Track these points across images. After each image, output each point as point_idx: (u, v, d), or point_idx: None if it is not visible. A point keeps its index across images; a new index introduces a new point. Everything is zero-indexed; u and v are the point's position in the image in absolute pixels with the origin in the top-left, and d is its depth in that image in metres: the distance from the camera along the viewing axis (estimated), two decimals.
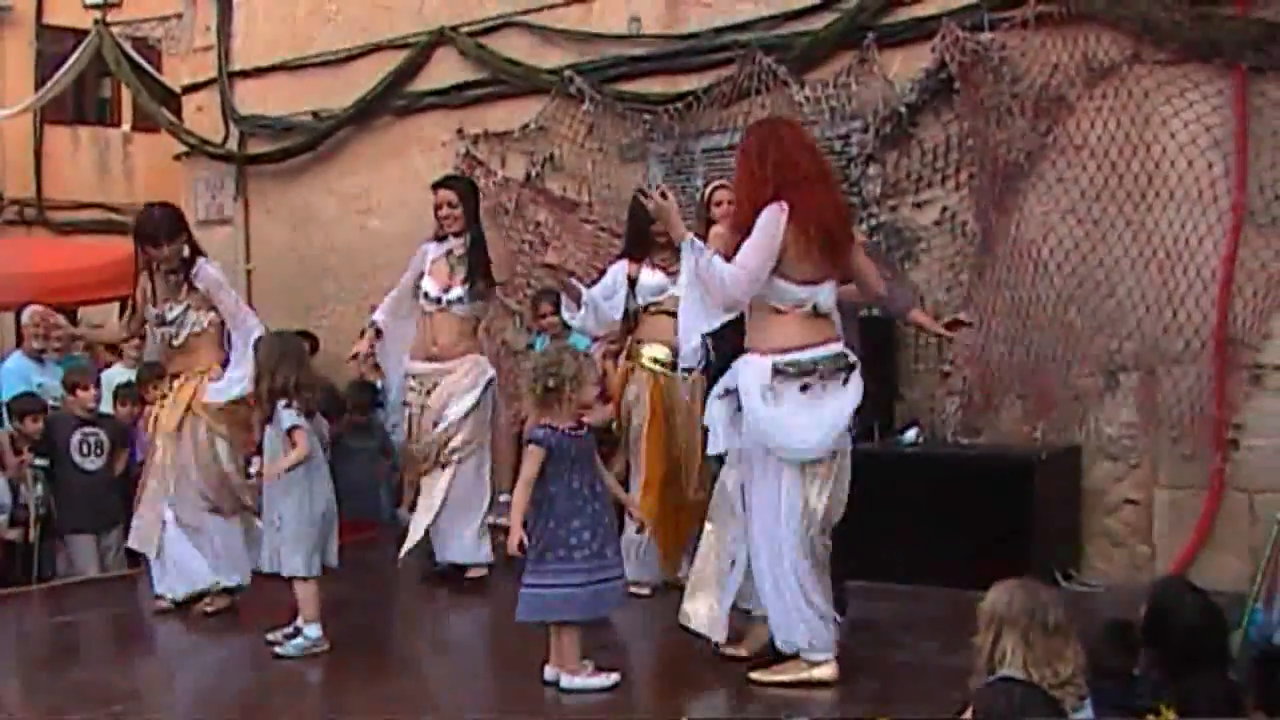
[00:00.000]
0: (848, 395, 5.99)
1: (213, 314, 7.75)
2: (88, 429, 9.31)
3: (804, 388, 5.89)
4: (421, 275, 8.44)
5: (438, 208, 8.44)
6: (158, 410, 7.84)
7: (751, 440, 5.99)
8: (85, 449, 9.24)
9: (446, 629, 7.91)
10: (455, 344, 8.38)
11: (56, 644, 7.64)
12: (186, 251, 7.72)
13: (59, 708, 5.99)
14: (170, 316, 7.71)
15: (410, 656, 7.29)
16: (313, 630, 6.80)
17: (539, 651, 6.18)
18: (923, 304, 8.51)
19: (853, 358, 6.09)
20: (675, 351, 7.66)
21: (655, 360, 7.97)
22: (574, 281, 8.10)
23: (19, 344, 12.08)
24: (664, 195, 6.28)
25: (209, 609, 7.64)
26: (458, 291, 8.33)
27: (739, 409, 6.01)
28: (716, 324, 6.10)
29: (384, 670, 6.75)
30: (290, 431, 6.77)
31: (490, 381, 8.48)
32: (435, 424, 8.28)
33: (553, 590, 5.96)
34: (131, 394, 9.78)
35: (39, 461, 9.15)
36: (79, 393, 9.49)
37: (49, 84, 18.06)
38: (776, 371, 5.88)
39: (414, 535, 8.36)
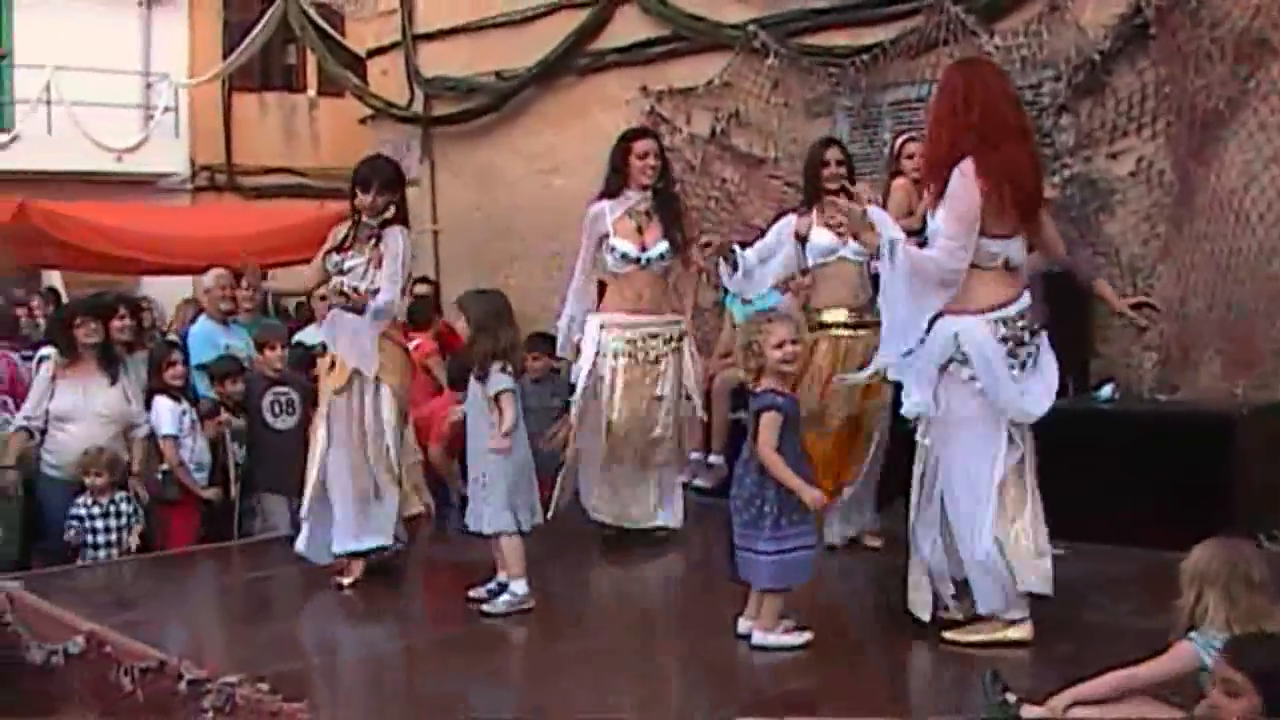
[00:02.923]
0: (1050, 351, 6.01)
1: None
2: (278, 389, 9.46)
3: (1019, 345, 5.88)
4: (605, 236, 8.33)
5: (642, 156, 8.31)
6: (325, 367, 7.89)
7: (977, 403, 5.94)
8: (276, 409, 9.43)
9: (635, 584, 7.97)
10: (660, 301, 8.32)
11: (253, 598, 7.86)
12: (391, 212, 7.69)
13: (257, 660, 6.10)
14: (347, 266, 7.65)
15: (602, 612, 7.41)
16: (519, 587, 6.85)
17: (730, 606, 6.24)
18: (1117, 258, 8.41)
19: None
20: (851, 310, 7.78)
21: (839, 324, 7.91)
22: (734, 247, 8.04)
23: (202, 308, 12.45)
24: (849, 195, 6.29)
25: (344, 580, 7.63)
26: (661, 248, 8.25)
27: (942, 371, 5.97)
28: (937, 306, 5.95)
29: (580, 625, 6.90)
30: (499, 396, 6.82)
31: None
32: (647, 402, 8.28)
33: (794, 554, 6.01)
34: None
35: (236, 422, 9.46)
36: (268, 352, 9.72)
37: (237, 52, 18.57)
38: (993, 329, 5.88)
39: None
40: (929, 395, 6.00)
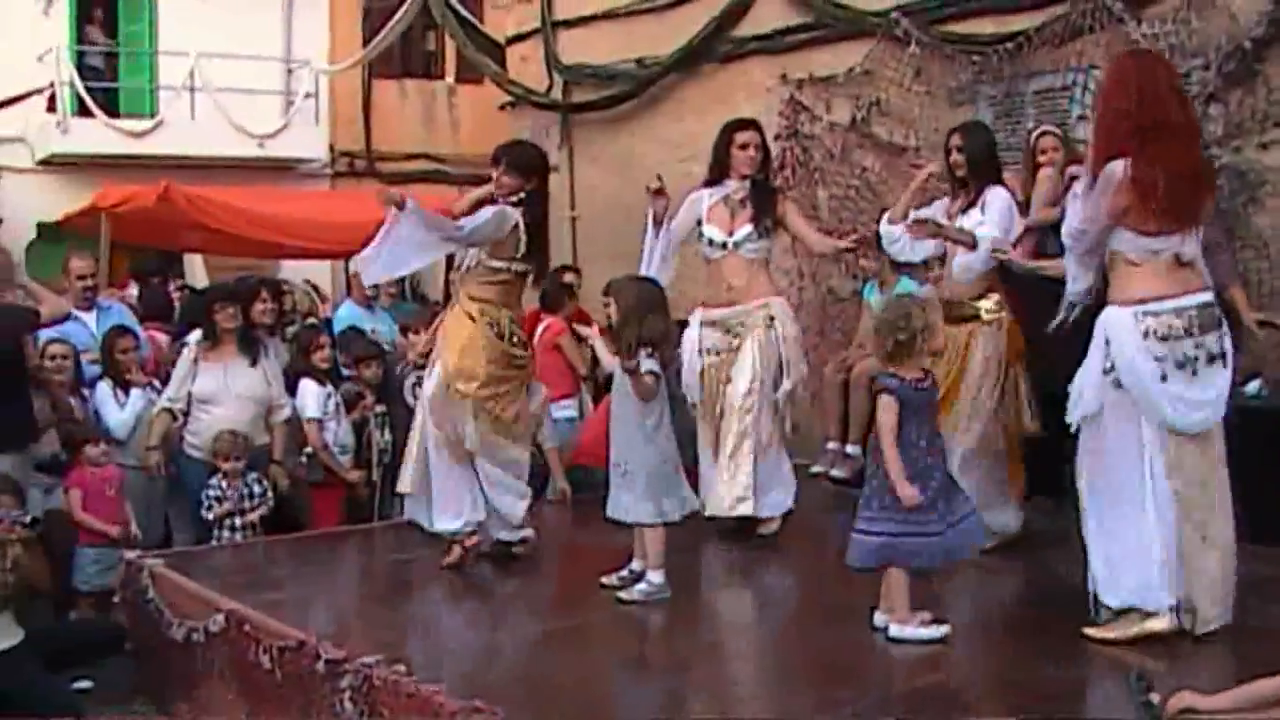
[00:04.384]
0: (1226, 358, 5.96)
1: (496, 260, 7.62)
2: (420, 372, 9.55)
3: (1172, 341, 5.82)
4: (699, 223, 8.38)
5: (743, 146, 8.35)
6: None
7: (1116, 397, 5.91)
8: (418, 393, 9.55)
9: (769, 575, 7.95)
10: (749, 285, 8.28)
11: (394, 580, 7.97)
12: (521, 195, 7.68)
13: (395, 642, 6.23)
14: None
15: (735, 602, 7.45)
16: (657, 577, 6.85)
17: (868, 598, 6.23)
18: (1266, 251, 8.25)
19: (1218, 311, 6.02)
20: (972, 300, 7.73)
21: (991, 310, 7.84)
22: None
23: (348, 293, 12.63)
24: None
25: (445, 560, 7.68)
26: (745, 230, 8.24)
27: (1108, 369, 5.94)
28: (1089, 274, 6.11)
29: (714, 616, 6.95)
30: (646, 375, 6.82)
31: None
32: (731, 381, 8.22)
33: (875, 538, 6.01)
34: None
35: (380, 408, 9.60)
36: (411, 336, 9.85)
37: (377, 38, 18.73)
38: (1136, 321, 5.83)
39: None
40: (1091, 393, 6.01)
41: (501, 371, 7.63)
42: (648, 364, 6.82)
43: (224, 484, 8.83)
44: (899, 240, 7.94)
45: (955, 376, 7.60)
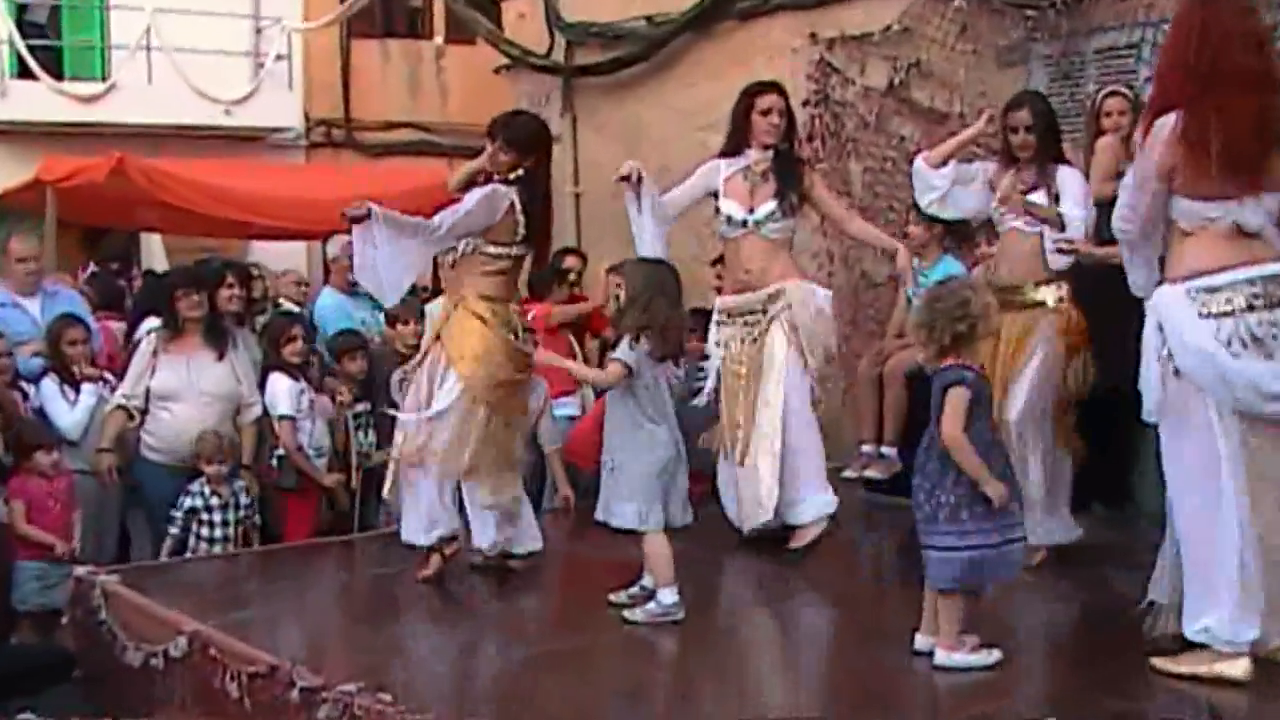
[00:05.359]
0: None
1: (495, 247, 7.65)
2: (409, 367, 9.56)
3: (1234, 316, 5.72)
4: (715, 195, 8.41)
5: (765, 112, 8.33)
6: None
7: (1177, 385, 5.82)
8: (405, 388, 9.55)
9: (796, 591, 7.90)
10: (768, 268, 8.29)
11: (376, 597, 7.95)
12: (518, 173, 7.69)
13: (378, 667, 6.19)
14: None
15: (757, 621, 7.45)
16: (668, 595, 6.81)
17: (904, 617, 6.23)
18: None
19: None
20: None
21: (1058, 299, 7.83)
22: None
23: (326, 278, 12.61)
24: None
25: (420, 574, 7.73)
26: (768, 208, 8.24)
27: (1165, 355, 5.84)
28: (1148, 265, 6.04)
29: (733, 637, 6.92)
30: (611, 361, 6.90)
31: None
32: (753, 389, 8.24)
33: (975, 552, 5.92)
34: None
35: (360, 407, 9.61)
36: (399, 327, 9.87)
37: None
38: (1189, 298, 5.77)
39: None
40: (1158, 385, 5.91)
41: (518, 375, 7.73)
42: (624, 352, 6.85)
43: (206, 489, 8.83)
44: (937, 189, 7.95)
45: (1006, 370, 7.57)
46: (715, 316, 8.51)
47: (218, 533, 8.81)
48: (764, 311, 8.27)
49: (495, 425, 7.60)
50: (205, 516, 8.81)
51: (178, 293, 9.34)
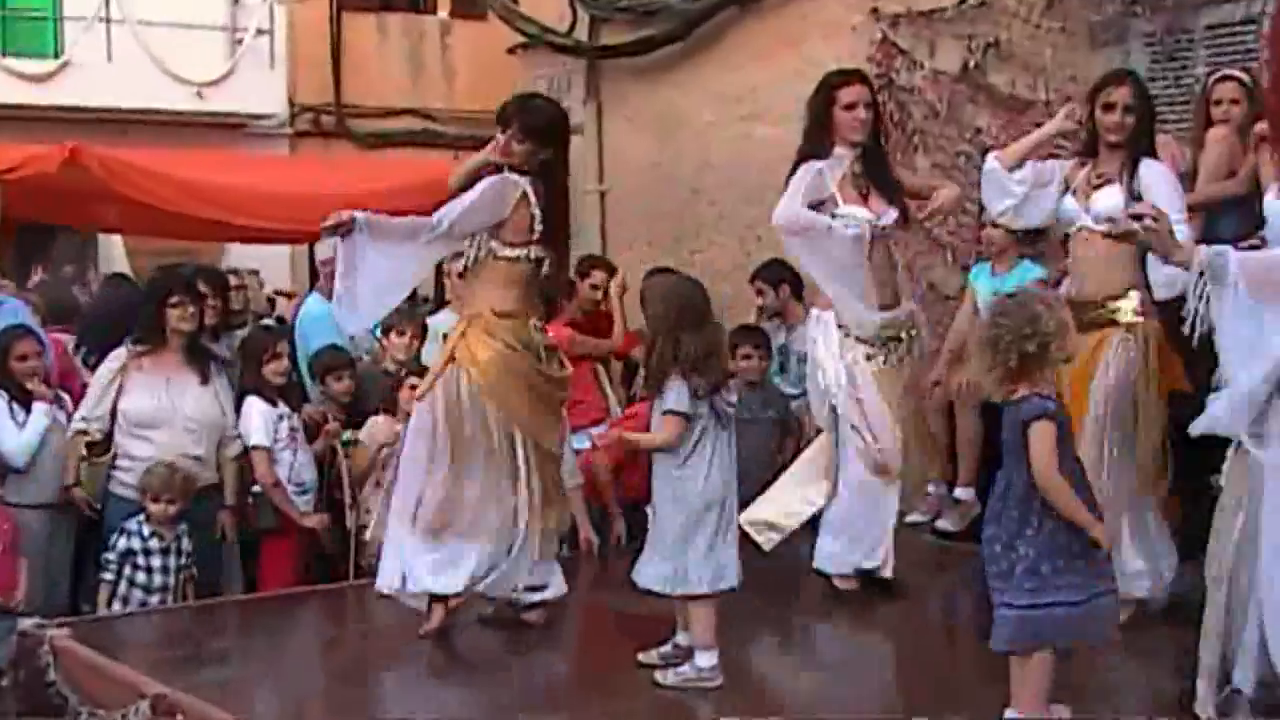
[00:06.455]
0: None
1: (510, 249, 7.59)
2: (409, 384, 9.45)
3: None
4: (828, 203, 8.24)
5: (849, 106, 8.27)
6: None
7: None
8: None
9: (855, 653, 7.92)
10: (899, 285, 8.38)
11: (366, 655, 7.96)
12: (533, 164, 7.64)
13: None
14: None
15: (806, 693, 7.30)
16: (706, 659, 6.72)
17: (982, 684, 6.18)
18: None
19: None
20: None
21: (1134, 312, 7.76)
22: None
23: (312, 284, 12.60)
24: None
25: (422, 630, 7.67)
26: (891, 215, 8.26)
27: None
28: None
29: (780, 705, 6.89)
30: (665, 415, 6.76)
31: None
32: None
33: (1048, 610, 5.79)
34: None
35: (348, 435, 9.55)
36: (394, 338, 9.81)
37: None
38: None
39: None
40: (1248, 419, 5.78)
41: (543, 403, 7.69)
42: (675, 392, 6.71)
43: (145, 530, 8.72)
44: (1014, 196, 7.88)
45: (1075, 398, 7.41)
46: (838, 334, 8.36)
47: (156, 580, 8.70)
48: (900, 338, 8.34)
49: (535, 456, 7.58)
50: (142, 561, 8.69)
51: (170, 299, 9.20)
